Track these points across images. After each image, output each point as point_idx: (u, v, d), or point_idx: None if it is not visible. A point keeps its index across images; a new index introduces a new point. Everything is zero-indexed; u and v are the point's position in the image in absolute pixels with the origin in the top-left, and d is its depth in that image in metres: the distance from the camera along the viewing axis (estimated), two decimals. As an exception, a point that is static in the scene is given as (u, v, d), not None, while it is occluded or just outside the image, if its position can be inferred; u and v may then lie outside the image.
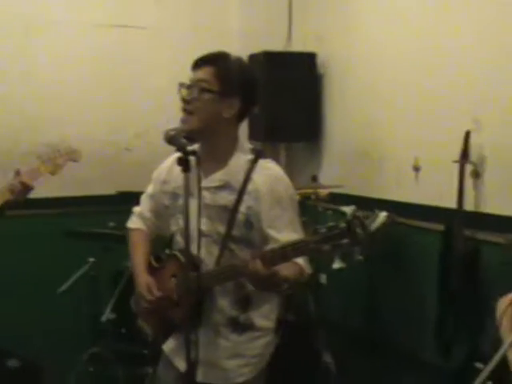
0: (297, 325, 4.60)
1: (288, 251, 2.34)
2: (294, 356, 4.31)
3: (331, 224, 2.23)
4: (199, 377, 2.67)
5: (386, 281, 5.33)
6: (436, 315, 4.81)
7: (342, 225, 2.22)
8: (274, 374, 3.87)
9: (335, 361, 4.83)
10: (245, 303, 2.75)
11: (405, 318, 5.32)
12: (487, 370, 2.05)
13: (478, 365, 3.82)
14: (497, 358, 2.07)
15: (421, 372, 5.00)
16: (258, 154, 2.76)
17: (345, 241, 2.21)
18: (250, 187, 2.67)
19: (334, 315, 5.70)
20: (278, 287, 2.57)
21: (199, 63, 2.73)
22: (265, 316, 2.82)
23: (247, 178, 2.67)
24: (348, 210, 4.66)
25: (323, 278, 5.72)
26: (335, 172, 6.05)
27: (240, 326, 2.76)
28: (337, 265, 4.85)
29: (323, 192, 4.96)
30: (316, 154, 6.31)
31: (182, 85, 2.71)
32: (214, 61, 2.71)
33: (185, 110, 2.69)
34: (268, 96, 5.85)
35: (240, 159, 2.72)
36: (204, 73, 2.68)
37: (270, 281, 2.45)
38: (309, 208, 4.97)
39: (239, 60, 2.81)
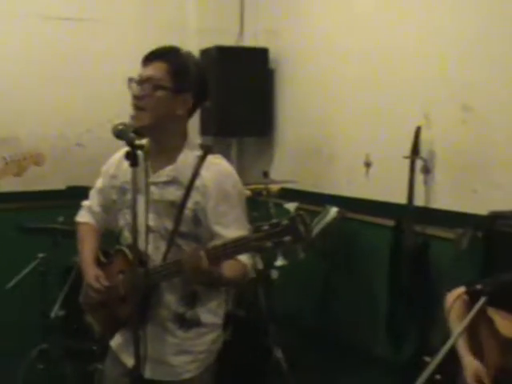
0: (247, 320, 4.60)
1: (229, 248, 2.31)
2: (244, 352, 4.31)
3: (274, 221, 2.21)
4: (147, 373, 2.65)
5: (337, 276, 5.36)
6: (387, 310, 4.85)
7: (285, 222, 2.20)
8: (224, 370, 3.86)
9: (286, 356, 4.83)
10: (192, 299, 2.72)
11: (356, 313, 5.36)
12: (434, 362, 2.06)
13: (428, 359, 3.84)
14: (443, 351, 2.08)
15: (372, 366, 5.03)
16: (207, 150, 2.73)
17: (287, 238, 2.19)
18: (197, 183, 2.64)
19: (285, 311, 5.70)
20: (218, 284, 2.57)
21: (150, 58, 2.66)
22: (212, 312, 2.79)
23: (195, 174, 2.64)
24: (291, 206, 4.67)
25: (275, 274, 5.72)
26: (287, 167, 6.07)
27: (187, 323, 2.73)
28: (279, 262, 4.85)
29: (274, 187, 4.95)
30: (267, 149, 6.32)
31: (132, 80, 2.65)
32: (166, 56, 2.66)
33: (136, 106, 2.64)
34: (220, 91, 5.86)
35: (189, 155, 2.69)
36: (156, 69, 2.63)
37: (210, 277, 2.43)
38: (260, 204, 4.96)
39: (190, 55, 2.76)
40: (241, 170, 6.46)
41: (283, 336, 5.06)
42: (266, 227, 2.20)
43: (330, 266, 5.22)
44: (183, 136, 2.72)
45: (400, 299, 4.74)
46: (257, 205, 5.02)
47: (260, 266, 4.79)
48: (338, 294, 5.32)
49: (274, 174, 5.93)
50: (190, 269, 2.39)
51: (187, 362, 2.75)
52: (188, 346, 2.75)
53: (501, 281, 2.35)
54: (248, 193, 4.95)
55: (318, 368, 5.09)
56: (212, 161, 2.69)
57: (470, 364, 2.65)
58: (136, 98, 2.62)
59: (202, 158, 2.68)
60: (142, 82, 2.62)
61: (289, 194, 5.38)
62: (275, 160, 6.26)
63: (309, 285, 5.53)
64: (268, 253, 2.30)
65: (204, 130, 6.10)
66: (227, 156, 6.12)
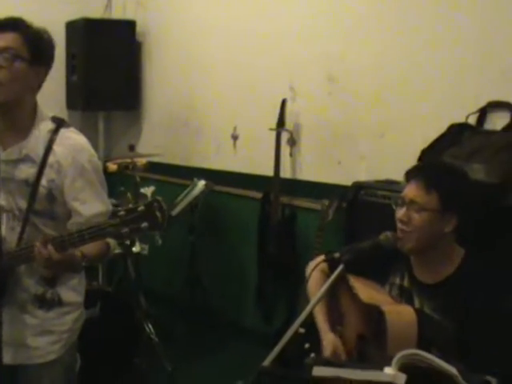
0: (117, 296, 4.53)
1: (86, 235, 2.25)
2: (114, 328, 4.25)
3: (130, 206, 2.16)
4: (6, 359, 2.53)
5: (206, 249, 5.36)
6: (256, 281, 4.89)
7: (141, 208, 2.15)
8: (94, 347, 3.82)
9: (157, 330, 4.80)
10: (51, 280, 2.63)
11: (226, 285, 5.39)
12: (292, 329, 2.08)
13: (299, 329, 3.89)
14: (301, 317, 2.10)
15: (243, 337, 5.09)
16: (60, 124, 2.61)
17: (144, 225, 2.15)
18: (51, 159, 2.51)
19: (155, 285, 5.68)
20: (76, 267, 2.49)
21: (2, 28, 2.53)
22: (73, 290, 2.70)
23: (48, 150, 2.52)
24: (148, 191, 4.62)
25: (144, 249, 5.67)
26: (155, 141, 6.01)
27: (47, 303, 2.63)
28: (137, 248, 4.80)
29: (141, 161, 4.87)
30: (135, 123, 6.23)
31: None
32: (19, 26, 2.52)
33: None
34: (86, 64, 5.74)
35: (40, 130, 2.55)
36: (12, 39, 2.50)
37: (65, 264, 2.36)
38: (127, 178, 4.88)
39: (40, 27, 2.63)
40: (108, 145, 6.37)
41: (153, 310, 5.04)
42: (122, 213, 2.15)
43: (199, 238, 5.20)
44: (33, 110, 2.58)
45: (268, 270, 4.79)
46: (124, 179, 4.93)
47: (137, 249, 4.74)
48: (207, 266, 5.32)
49: (142, 148, 5.87)
50: (41, 263, 2.31)
51: (50, 342, 2.66)
52: (50, 326, 2.65)
53: (358, 248, 2.40)
54: (114, 167, 4.88)
55: (190, 341, 5.09)
56: (65, 135, 2.57)
57: (327, 337, 2.71)
58: None
59: (55, 133, 2.56)
60: None
61: (156, 167, 5.33)
62: (143, 134, 6.18)
63: (178, 258, 5.51)
64: (125, 239, 2.25)
65: (70, 105, 5.96)
66: (95, 130, 6.08)
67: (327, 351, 2.65)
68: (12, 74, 2.46)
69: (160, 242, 4.74)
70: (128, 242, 4.71)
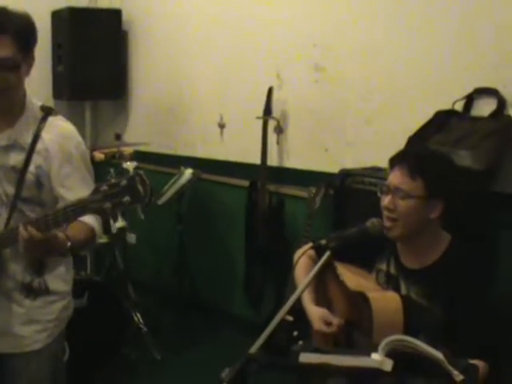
0: (105, 286, 4.52)
1: (68, 212, 2.24)
2: (103, 318, 4.24)
3: (113, 181, 2.16)
4: (-9, 347, 2.55)
5: (194, 237, 5.36)
6: (244, 270, 4.90)
7: (123, 182, 2.15)
8: (82, 338, 3.82)
9: (146, 320, 4.81)
10: (39, 267, 2.62)
11: (214, 274, 5.39)
12: (279, 316, 2.07)
13: (287, 316, 3.90)
14: (289, 304, 2.09)
15: (231, 326, 5.10)
16: (48, 112, 2.62)
17: (126, 199, 2.14)
18: (39, 146, 2.53)
19: (143, 274, 5.67)
20: (61, 249, 2.48)
21: None
22: (60, 279, 2.70)
23: (36, 137, 2.54)
24: (130, 166, 4.60)
25: (132, 238, 5.67)
26: (141, 130, 6.00)
27: (34, 291, 2.63)
28: (119, 223, 4.78)
29: (128, 150, 4.85)
30: (122, 112, 6.22)
31: None
32: (7, 26, 2.47)
33: None
34: (73, 54, 5.73)
35: (29, 117, 2.57)
36: (4, 46, 2.46)
37: (50, 245, 2.35)
38: (114, 167, 4.87)
39: (21, 12, 2.60)
40: (95, 134, 6.35)
41: (142, 300, 5.04)
42: (104, 188, 2.14)
43: (186, 227, 5.20)
44: (23, 98, 2.60)
45: (256, 259, 4.80)
46: (110, 168, 4.91)
47: (114, 230, 4.72)
48: (195, 255, 5.32)
49: (128, 137, 5.85)
50: (24, 244, 2.30)
51: (36, 331, 2.65)
52: (36, 314, 2.65)
53: (345, 235, 2.40)
54: (101, 156, 4.86)
55: (178, 330, 5.09)
56: (53, 123, 2.59)
57: (314, 311, 2.69)
58: None
59: (43, 120, 2.57)
60: None
61: (143, 156, 5.31)
62: (130, 123, 6.17)
63: (165, 247, 5.51)
64: (108, 214, 2.24)
65: (57, 94, 5.94)
66: (81, 120, 6.06)
67: (315, 322, 2.64)
68: (10, 77, 2.46)
69: (142, 216, 4.71)
70: (115, 231, 4.71)
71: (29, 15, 2.54)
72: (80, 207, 2.20)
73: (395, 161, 2.56)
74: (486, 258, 2.59)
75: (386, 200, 2.51)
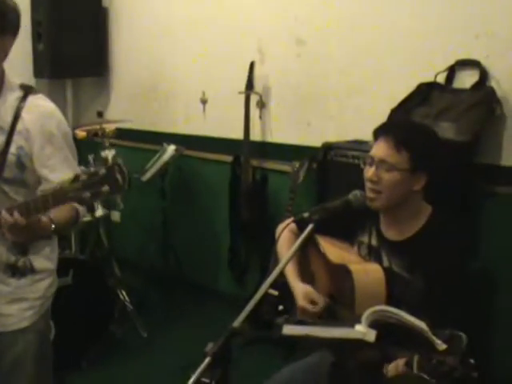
0: (90, 264, 4.51)
1: (49, 200, 2.24)
2: (88, 296, 4.24)
3: (92, 170, 2.15)
4: (-22, 327, 2.54)
5: (178, 214, 5.36)
6: (229, 245, 4.90)
7: (102, 171, 2.14)
8: (68, 315, 3.82)
9: (132, 298, 4.81)
10: (23, 247, 2.61)
11: (199, 250, 5.40)
12: (263, 289, 2.07)
13: (271, 291, 3.91)
14: (272, 277, 2.09)
15: (217, 302, 5.10)
16: (28, 91, 2.58)
17: (105, 188, 2.14)
18: (19, 126, 2.50)
19: (128, 252, 5.67)
20: (45, 232, 2.47)
21: None
22: (45, 257, 2.69)
23: (16, 117, 2.50)
24: (109, 154, 4.57)
25: (116, 216, 5.65)
26: (123, 107, 5.97)
27: (19, 270, 2.62)
28: (99, 212, 4.75)
29: (110, 127, 4.83)
30: (104, 89, 6.17)
31: None
32: None
33: None
34: (53, 32, 5.66)
35: (8, 97, 2.53)
36: None
37: (33, 229, 2.35)
38: (96, 145, 4.85)
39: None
40: (77, 112, 6.31)
41: (127, 277, 5.05)
42: (83, 177, 2.14)
43: (170, 204, 5.19)
44: (1, 79, 2.56)
45: (241, 234, 4.80)
46: (93, 146, 4.89)
47: (100, 213, 4.71)
48: (179, 231, 5.32)
49: (110, 115, 5.83)
50: (8, 230, 2.29)
51: (22, 309, 2.65)
52: (22, 293, 2.65)
53: (327, 208, 2.38)
54: (83, 134, 4.84)
55: (164, 306, 5.10)
56: (33, 102, 2.55)
57: (298, 287, 2.68)
58: None
59: (23, 100, 2.54)
60: None
61: (125, 133, 5.29)
62: (112, 100, 6.13)
63: (150, 224, 5.50)
64: (87, 203, 2.24)
65: (38, 73, 5.87)
66: (63, 98, 6.01)
67: (300, 300, 2.63)
68: None
69: (122, 206, 4.71)
70: (100, 214, 4.70)
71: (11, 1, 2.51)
72: (60, 196, 2.20)
73: (380, 132, 2.54)
74: (467, 227, 2.60)
75: (369, 172, 2.49)
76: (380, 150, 2.48)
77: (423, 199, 2.56)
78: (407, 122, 2.89)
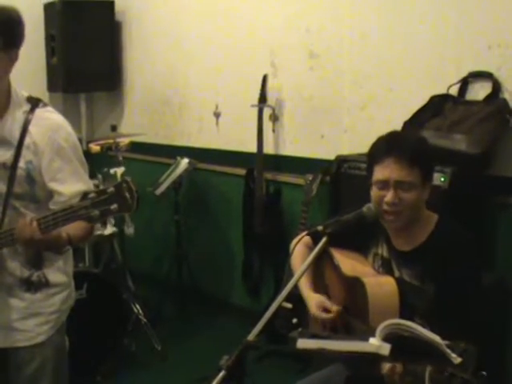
0: (104, 278, 4.52)
1: (59, 217, 2.24)
2: (102, 309, 4.25)
3: (101, 188, 2.15)
4: (-4, 342, 2.55)
5: (193, 227, 5.37)
6: (243, 259, 4.90)
7: (110, 189, 2.14)
8: (82, 329, 3.82)
9: (146, 311, 4.81)
10: (37, 262, 2.61)
11: (213, 263, 5.40)
12: (277, 303, 2.07)
13: (285, 304, 3.91)
14: (286, 291, 2.09)
15: (231, 315, 5.10)
16: (35, 104, 2.56)
17: (113, 206, 2.14)
18: (27, 140, 2.48)
19: (142, 265, 5.68)
20: (59, 249, 2.49)
21: None
22: (60, 271, 2.69)
23: (24, 131, 2.49)
24: (118, 172, 4.57)
25: (130, 229, 5.65)
26: (137, 121, 6.00)
27: (34, 285, 2.61)
28: (108, 230, 4.75)
29: (124, 141, 4.85)
30: (117, 103, 6.21)
31: None
32: None
33: None
34: (66, 46, 5.70)
35: (16, 111, 2.52)
36: None
37: (47, 244, 2.36)
38: (110, 159, 4.87)
39: (7, 6, 2.57)
40: (90, 126, 6.34)
41: (141, 290, 5.05)
42: (93, 195, 2.14)
43: (184, 217, 5.20)
44: (8, 91, 2.55)
45: (254, 247, 4.80)
46: (107, 160, 4.91)
47: (109, 231, 4.71)
48: (193, 245, 5.33)
49: (124, 128, 5.85)
50: (23, 241, 2.30)
51: (38, 324, 2.65)
52: (37, 308, 2.64)
53: (341, 221, 2.38)
54: (97, 148, 4.86)
55: (178, 319, 5.11)
56: (40, 115, 2.53)
57: (311, 297, 2.68)
58: None
59: (30, 113, 2.52)
60: None
61: (139, 147, 5.31)
62: (125, 114, 6.16)
63: (164, 238, 5.52)
64: (96, 221, 2.23)
65: (51, 87, 5.93)
66: (77, 112, 6.05)
67: (313, 309, 2.63)
68: None
69: (132, 226, 4.73)
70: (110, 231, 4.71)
71: (15, 11, 2.51)
72: (70, 213, 2.20)
73: (383, 155, 2.48)
74: (476, 234, 2.58)
75: (388, 196, 2.43)
76: (394, 171, 2.44)
77: (426, 207, 2.55)
78: (407, 137, 2.77)
